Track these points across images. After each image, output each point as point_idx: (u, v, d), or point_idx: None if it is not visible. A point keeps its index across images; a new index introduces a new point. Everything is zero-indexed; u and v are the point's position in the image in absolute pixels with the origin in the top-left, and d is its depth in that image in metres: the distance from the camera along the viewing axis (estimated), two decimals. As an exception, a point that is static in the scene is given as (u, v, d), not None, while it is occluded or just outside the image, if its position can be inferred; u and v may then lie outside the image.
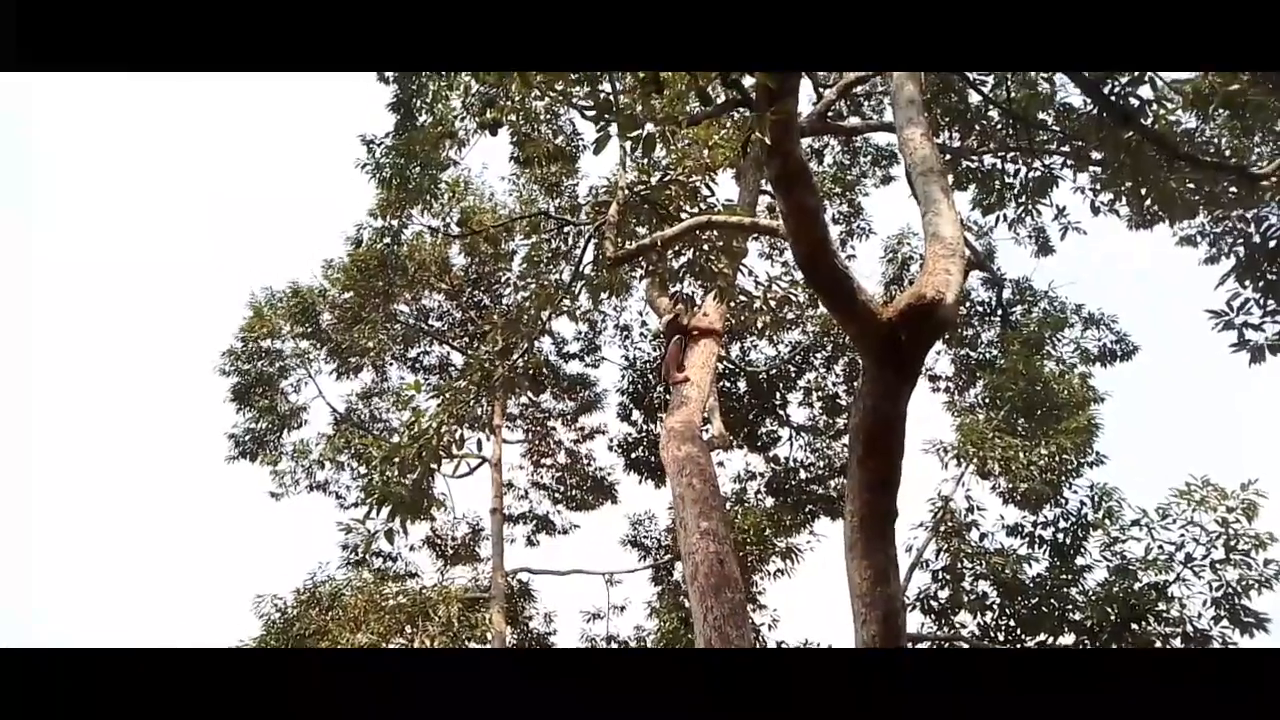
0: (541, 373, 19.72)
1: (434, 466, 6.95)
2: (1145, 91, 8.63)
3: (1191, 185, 9.61)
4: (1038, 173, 10.91)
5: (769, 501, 17.84)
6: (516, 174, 17.69)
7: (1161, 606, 12.00)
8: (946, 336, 16.04)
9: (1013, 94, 10.62)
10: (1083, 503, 13.43)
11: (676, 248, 8.46)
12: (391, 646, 14.69)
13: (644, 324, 18.69)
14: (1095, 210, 11.18)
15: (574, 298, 9.92)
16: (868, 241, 17.96)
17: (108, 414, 47.72)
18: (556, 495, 21.20)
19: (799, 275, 8.65)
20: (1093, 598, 12.49)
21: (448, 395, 7.72)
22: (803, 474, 18.13)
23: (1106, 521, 13.02)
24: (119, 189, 55.09)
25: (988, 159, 11.43)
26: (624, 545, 19.16)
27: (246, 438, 18.72)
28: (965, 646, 13.62)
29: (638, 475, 18.59)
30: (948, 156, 11.15)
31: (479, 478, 18.90)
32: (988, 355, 16.64)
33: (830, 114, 13.61)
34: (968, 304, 16.51)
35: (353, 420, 19.63)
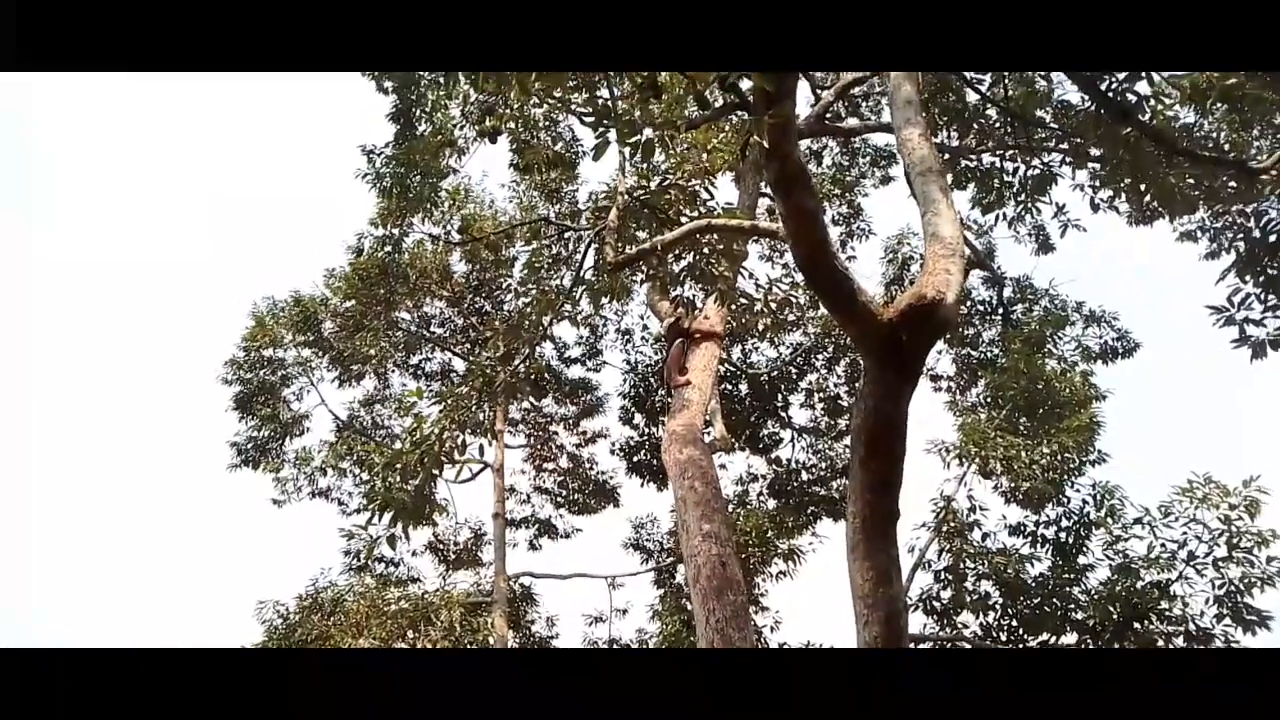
0: (543, 378, 19.74)
1: (436, 472, 6.95)
2: (1143, 87, 8.63)
3: (1191, 180, 9.61)
4: (1036, 170, 10.92)
5: (771, 503, 17.85)
6: (516, 181, 17.74)
7: (1164, 605, 11.97)
8: (947, 336, 16.04)
9: (1010, 92, 10.63)
10: (1085, 501, 13.41)
11: (677, 251, 8.46)
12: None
13: (645, 328, 18.73)
14: (1095, 207, 11.19)
15: (575, 303, 9.92)
16: (868, 242, 17.98)
17: (110, 419, 47.75)
18: (558, 499, 21.22)
19: (799, 277, 8.67)
20: (1095, 597, 12.47)
21: (449, 401, 7.73)
22: (804, 475, 18.13)
23: (1109, 520, 13.00)
24: (120, 191, 55.20)
25: (986, 158, 11.43)
26: (626, 548, 19.19)
27: (249, 445, 18.79)
28: (968, 647, 13.61)
29: (639, 478, 18.60)
30: (946, 156, 11.15)
31: (481, 483, 18.94)
32: (989, 354, 16.63)
33: (828, 115, 13.62)
34: (968, 303, 16.51)
35: (355, 427, 19.67)
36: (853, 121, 15.52)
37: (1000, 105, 10.56)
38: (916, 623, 13.61)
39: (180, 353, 50.06)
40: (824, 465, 18.14)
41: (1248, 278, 8.86)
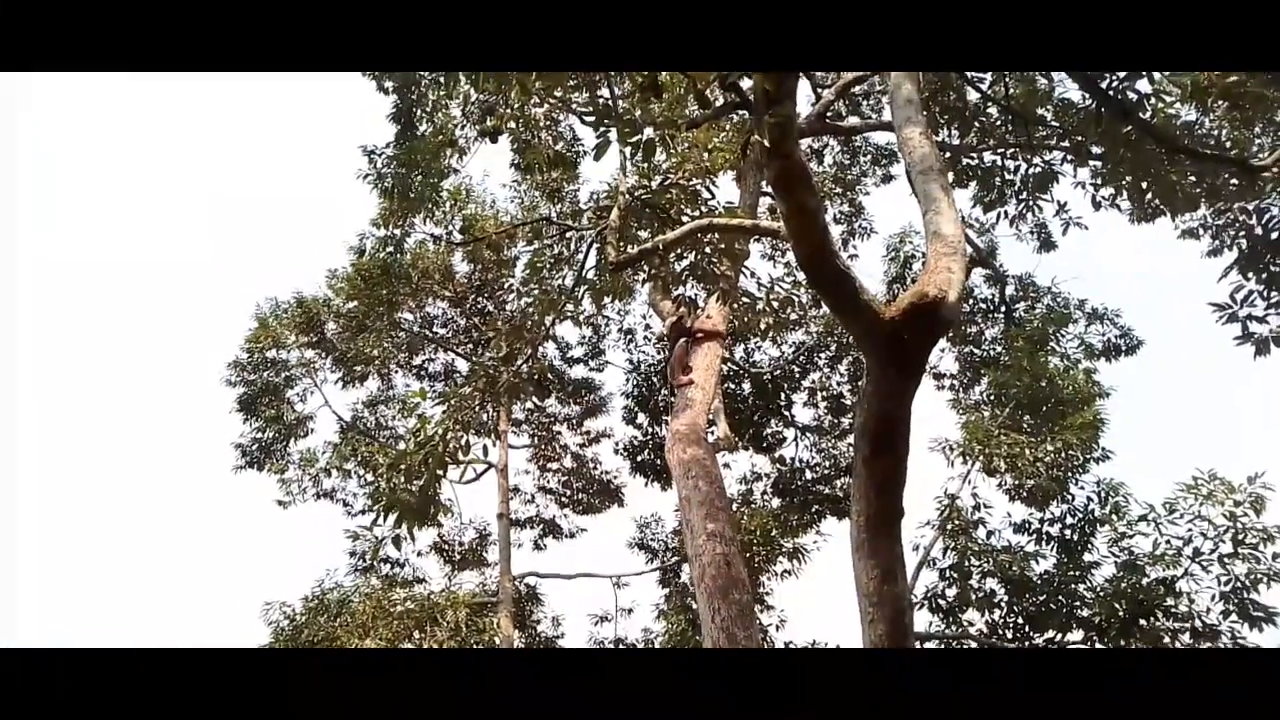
0: (546, 378, 19.73)
1: (440, 473, 6.96)
2: (1144, 85, 8.63)
3: (1192, 178, 9.61)
4: (1038, 169, 10.92)
5: (775, 502, 17.85)
6: (517, 181, 17.74)
7: (1170, 602, 11.97)
8: (950, 334, 16.03)
9: (1011, 90, 10.63)
10: (1089, 499, 13.42)
11: (678, 251, 8.47)
12: (400, 653, 14.72)
13: (647, 328, 18.72)
14: (1096, 205, 11.19)
15: (577, 302, 9.92)
16: (869, 241, 17.95)
17: (114, 422, 47.84)
18: (563, 499, 21.23)
19: (801, 276, 8.67)
20: (1101, 594, 12.47)
21: (453, 402, 7.75)
22: (808, 474, 18.12)
23: (1114, 517, 12.99)
24: (121, 192, 55.27)
25: (987, 156, 11.43)
26: (631, 548, 19.19)
27: (253, 447, 18.83)
28: (974, 645, 13.61)
29: (644, 478, 18.59)
30: (947, 154, 11.15)
31: (485, 483, 18.96)
32: (992, 352, 16.62)
33: (829, 114, 13.62)
34: (970, 301, 16.50)
35: (359, 428, 19.70)
36: (853, 120, 15.51)
37: (1001, 103, 10.56)
38: (922, 621, 13.62)
39: (183, 355, 50.16)
40: (828, 464, 18.13)
41: (1250, 275, 8.86)
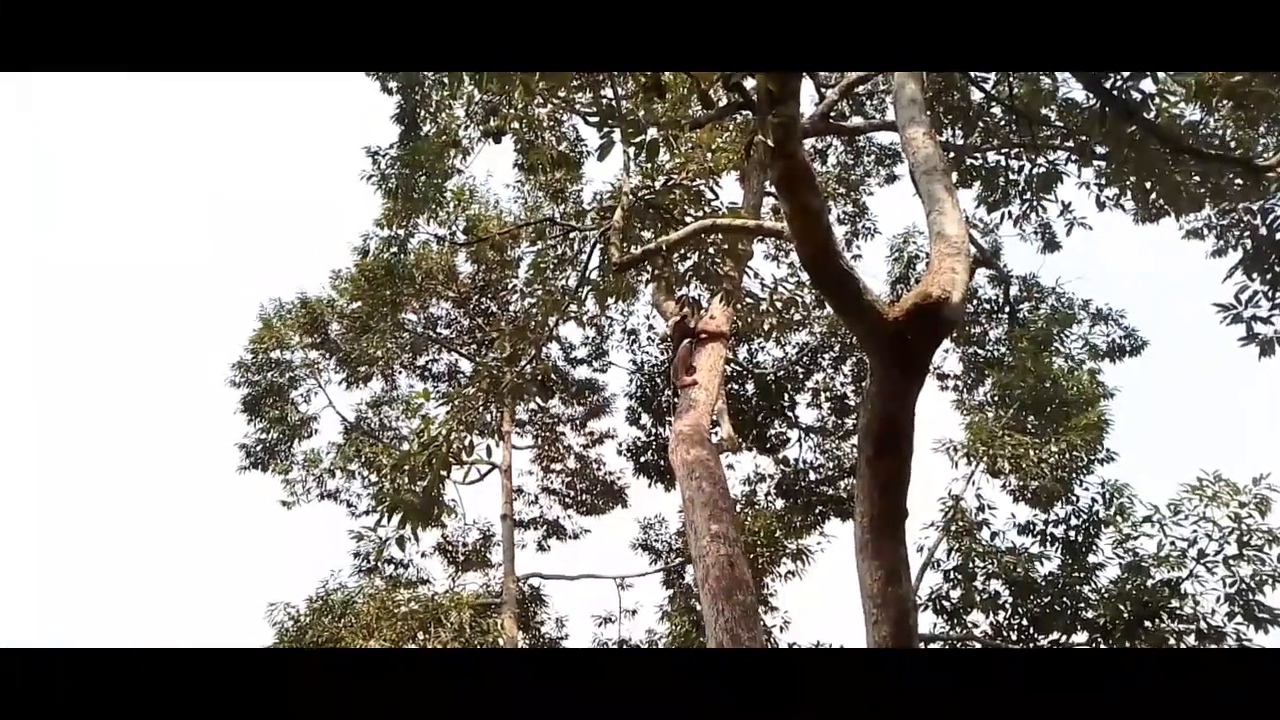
0: (550, 378, 19.72)
1: (444, 473, 6.96)
2: (1148, 85, 8.61)
3: (1197, 178, 9.58)
4: (1042, 169, 10.89)
5: (779, 503, 17.84)
6: (521, 181, 17.74)
7: (1175, 603, 11.94)
8: (954, 335, 16.01)
9: (1015, 90, 10.60)
10: (1094, 500, 13.39)
11: (682, 251, 8.47)
12: (404, 654, 14.72)
13: (651, 328, 18.71)
14: (1101, 205, 11.17)
15: (581, 303, 9.93)
16: (873, 241, 17.92)
17: (118, 422, 47.93)
18: (566, 500, 21.23)
19: (804, 276, 8.66)
20: (1105, 595, 12.44)
21: (457, 402, 7.75)
22: (812, 475, 18.11)
23: (1118, 518, 12.97)
24: (125, 193, 55.37)
25: (991, 156, 11.40)
26: (635, 549, 19.19)
27: (258, 448, 18.87)
28: (978, 646, 13.58)
29: (647, 479, 18.60)
30: (951, 154, 11.12)
31: (489, 484, 18.96)
32: (996, 353, 16.60)
33: (832, 114, 13.61)
34: (975, 302, 16.48)
35: (363, 429, 19.71)
36: (857, 120, 15.50)
37: (1005, 103, 10.54)
38: (926, 622, 13.61)
39: (187, 356, 50.24)
40: (831, 465, 18.12)
41: (1255, 275, 8.84)
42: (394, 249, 16.73)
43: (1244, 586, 11.71)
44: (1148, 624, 11.89)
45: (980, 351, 16.95)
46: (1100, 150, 10.08)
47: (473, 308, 19.79)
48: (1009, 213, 11.56)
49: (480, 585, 18.56)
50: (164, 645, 3.25)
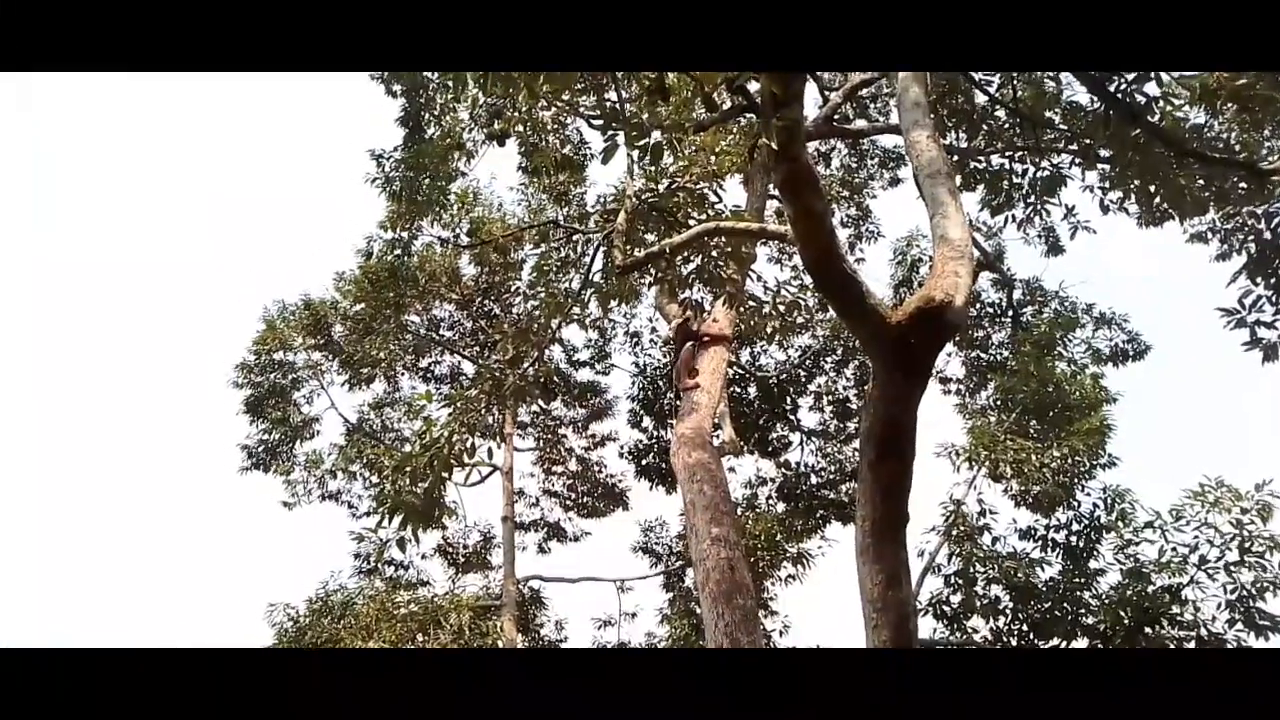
0: (552, 380, 19.74)
1: (445, 475, 6.96)
2: (1152, 89, 8.62)
3: (1201, 182, 9.57)
4: (1046, 172, 10.89)
5: (780, 507, 17.81)
6: (525, 184, 17.73)
7: (1176, 609, 11.90)
8: (957, 338, 15.99)
9: (1019, 93, 10.60)
10: (1095, 505, 13.35)
11: (685, 254, 8.47)
12: (405, 656, 14.71)
13: (654, 331, 18.70)
14: (1104, 209, 11.14)
15: (583, 305, 9.94)
16: (876, 244, 17.91)
17: (121, 422, 47.97)
18: (568, 502, 21.23)
19: (808, 280, 8.66)
20: (1106, 601, 12.40)
21: (459, 404, 7.76)
22: (814, 479, 18.08)
23: (1119, 524, 12.93)
24: (129, 194, 55.45)
25: (995, 159, 11.40)
26: (635, 552, 19.16)
27: (259, 448, 18.89)
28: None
29: (649, 482, 18.57)
30: (955, 157, 11.12)
31: (490, 486, 18.97)
32: (998, 357, 16.57)
33: (836, 117, 13.61)
34: (978, 305, 16.46)
35: (365, 430, 19.73)
36: (861, 123, 15.50)
37: (1009, 107, 10.54)
38: (926, 627, 13.57)
39: (190, 357, 50.30)
40: (833, 469, 18.10)
41: (1259, 280, 8.84)
42: (397, 251, 16.74)
43: (1245, 593, 11.66)
44: (1149, 630, 11.86)
45: (983, 355, 16.93)
46: (1104, 154, 10.09)
47: (475, 310, 19.81)
48: (1012, 216, 11.57)
49: (480, 587, 18.57)
50: (164, 645, 3.25)
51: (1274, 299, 8.79)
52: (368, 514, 18.73)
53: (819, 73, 13.72)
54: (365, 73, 13.30)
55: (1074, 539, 13.30)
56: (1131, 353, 15.61)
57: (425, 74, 13.14)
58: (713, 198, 9.44)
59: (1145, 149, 8.91)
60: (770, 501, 18.10)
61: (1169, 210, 10.24)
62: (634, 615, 19.25)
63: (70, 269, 51.52)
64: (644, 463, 18.57)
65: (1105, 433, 13.86)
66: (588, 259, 11.28)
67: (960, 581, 13.40)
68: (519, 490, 20.07)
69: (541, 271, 12.29)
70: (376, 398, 20.18)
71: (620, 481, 20.72)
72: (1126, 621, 11.95)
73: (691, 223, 8.92)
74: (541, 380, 18.54)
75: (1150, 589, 12.12)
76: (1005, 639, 13.12)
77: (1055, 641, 12.78)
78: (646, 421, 18.51)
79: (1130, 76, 8.43)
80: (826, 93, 13.60)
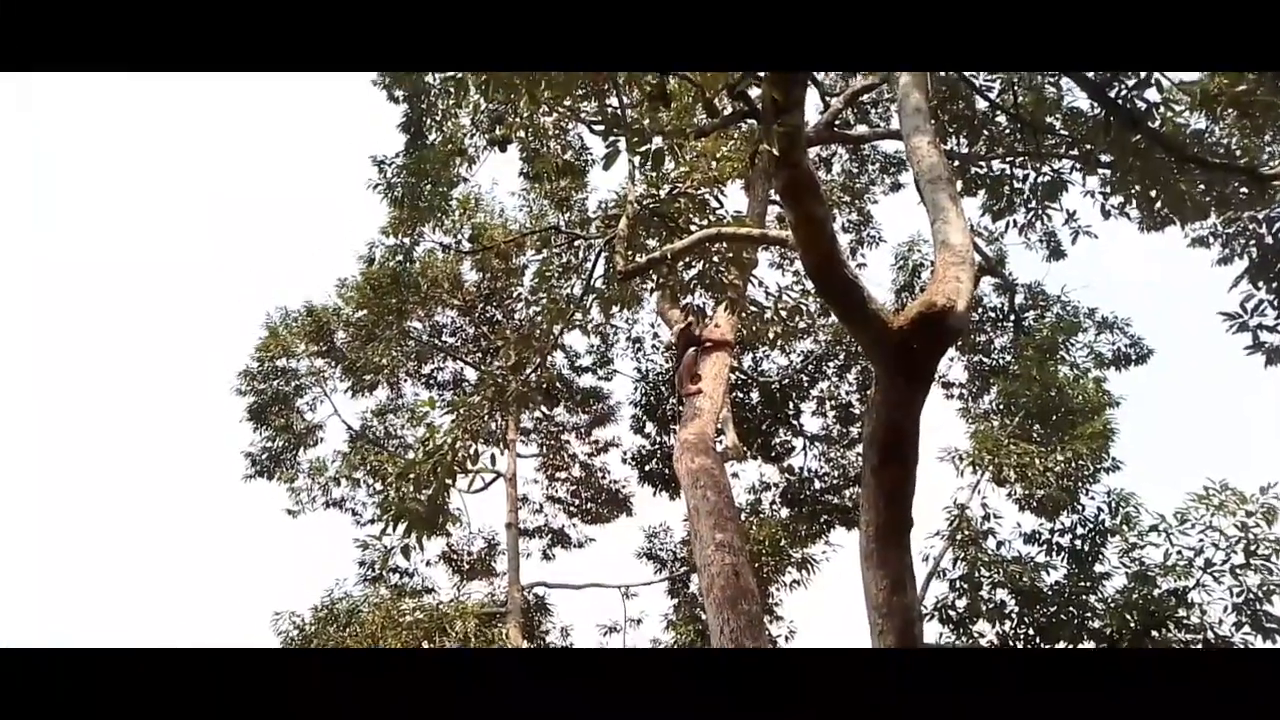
0: (554, 387, 19.76)
1: (449, 482, 6.98)
2: (1152, 94, 8.62)
3: (1202, 186, 9.58)
4: (1046, 177, 10.91)
5: (784, 512, 17.79)
6: (526, 189, 17.79)
7: (1182, 613, 11.88)
8: (959, 343, 15.99)
9: (1020, 99, 10.62)
10: (1100, 509, 13.33)
11: (687, 260, 8.49)
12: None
13: (656, 336, 18.70)
14: (1106, 214, 11.15)
15: (585, 311, 9.97)
16: (878, 249, 17.92)
17: (124, 429, 48.00)
18: (571, 509, 21.22)
19: (809, 285, 8.67)
20: (1112, 605, 12.38)
21: (462, 411, 7.76)
22: (817, 484, 18.06)
23: (1124, 527, 12.91)
24: (132, 199, 55.54)
25: (996, 164, 11.42)
26: (639, 558, 19.15)
27: (263, 456, 18.90)
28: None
29: (652, 488, 18.57)
30: (956, 163, 11.14)
31: (494, 492, 18.96)
32: (1001, 361, 16.57)
33: (837, 123, 13.64)
34: (980, 310, 16.45)
35: (368, 437, 19.73)
36: (862, 129, 15.52)
37: (1009, 112, 10.56)
38: (932, 632, 13.54)
39: (194, 363, 50.34)
40: (836, 473, 18.08)
41: (1260, 283, 8.83)
42: (400, 257, 16.78)
43: (1251, 596, 11.65)
44: (1154, 634, 11.83)
45: (985, 360, 16.92)
46: (1105, 158, 10.10)
47: (478, 316, 19.83)
48: (1014, 221, 11.57)
49: (485, 594, 18.59)
50: (164, 646, 3.26)
51: (1276, 303, 8.79)
52: (372, 521, 18.73)
53: (820, 77, 13.77)
54: (366, 73, 13.34)
55: (1079, 543, 13.28)
56: (1134, 357, 15.60)
57: (427, 80, 13.18)
58: (714, 203, 9.47)
59: (1146, 154, 8.92)
60: (774, 507, 18.09)
61: (1170, 215, 10.25)
62: (639, 621, 19.24)
63: (70, 270, 51.58)
64: (647, 468, 18.57)
65: (1109, 436, 13.84)
66: (589, 264, 11.31)
67: (965, 586, 13.37)
68: (523, 496, 20.07)
69: (543, 277, 12.31)
70: (379, 404, 20.21)
71: (624, 487, 20.73)
72: (1132, 625, 11.92)
73: (693, 228, 8.94)
74: (544, 386, 18.57)
75: (1156, 593, 12.10)
76: (1011, 643, 13.09)
77: (1061, 645, 12.76)
78: (649, 427, 18.52)
79: (1131, 82, 8.45)
80: (827, 98, 13.63)
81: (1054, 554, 13.40)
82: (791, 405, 18.12)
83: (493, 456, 8.22)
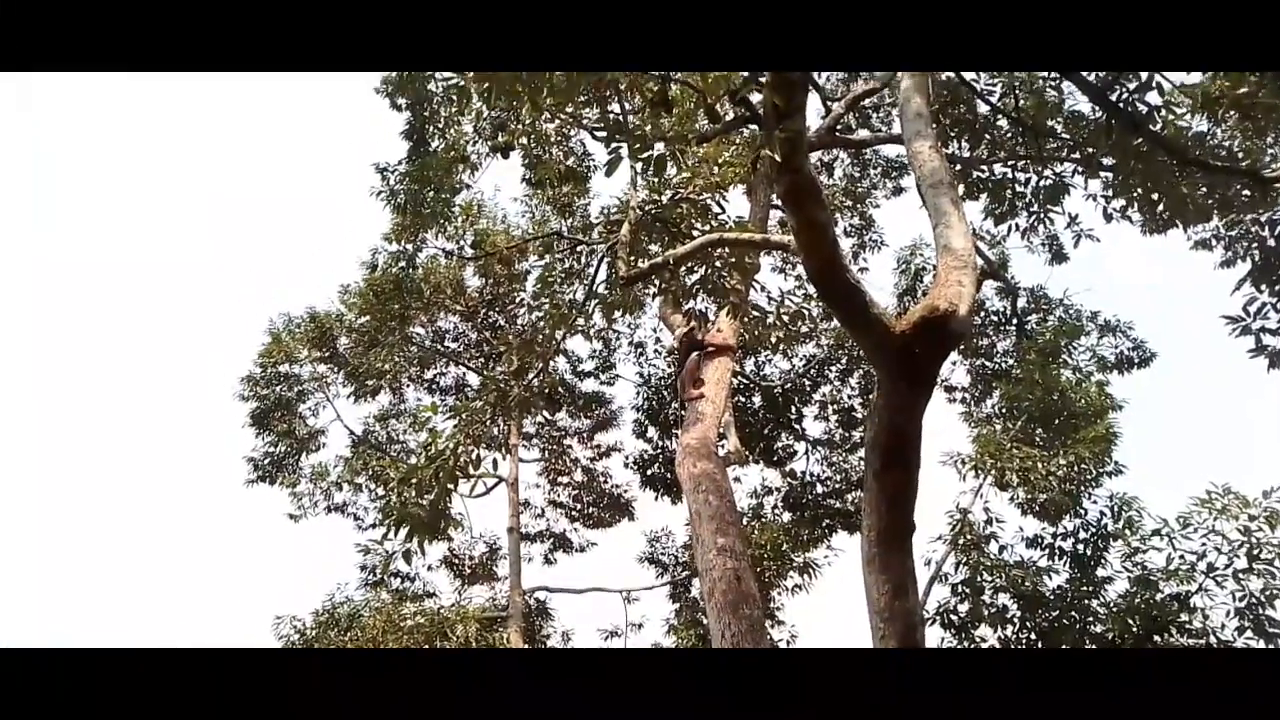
0: (557, 391, 19.78)
1: (451, 487, 6.98)
2: (1153, 97, 8.63)
3: (1204, 190, 9.58)
4: (1048, 181, 10.91)
5: (786, 516, 17.79)
6: (529, 195, 17.84)
7: (1184, 617, 11.86)
8: (961, 347, 15.99)
9: (1021, 102, 10.63)
10: (1102, 513, 13.31)
11: (689, 265, 8.50)
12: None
13: (658, 341, 18.74)
14: (1108, 217, 11.15)
15: (588, 316, 9.96)
16: (880, 254, 17.96)
17: (127, 434, 48.04)
18: (573, 513, 21.22)
19: (811, 289, 8.68)
20: (1114, 609, 12.36)
21: (464, 416, 7.76)
22: (819, 488, 18.06)
23: (1127, 531, 12.88)
24: (134, 204, 55.61)
25: (998, 168, 11.42)
26: (641, 562, 19.17)
27: (265, 461, 18.93)
28: (987, 660, 13.48)
29: (654, 492, 18.57)
30: (958, 167, 11.15)
31: (496, 497, 18.95)
32: (1003, 365, 16.56)
33: (839, 128, 13.65)
34: (982, 314, 16.46)
35: (370, 442, 19.76)
36: (863, 133, 15.53)
37: (1011, 116, 10.57)
38: (934, 636, 13.51)
39: (196, 368, 50.34)
40: (839, 478, 18.07)
41: (1263, 287, 8.84)
42: (402, 263, 16.80)
43: (1254, 600, 11.61)
44: (1157, 638, 11.80)
45: (988, 364, 16.92)
46: (1107, 162, 10.10)
47: (480, 321, 19.87)
48: (1016, 225, 11.57)
49: (486, 598, 18.59)
50: (164, 646, 3.26)
51: (1279, 306, 8.79)
52: (373, 526, 18.73)
53: (821, 82, 13.78)
54: (366, 75, 13.38)
55: (1081, 547, 13.26)
56: (1137, 360, 15.60)
57: (429, 87, 13.22)
58: (716, 209, 9.48)
59: (1148, 157, 8.93)
60: (776, 511, 18.09)
61: (1172, 218, 10.25)
62: (640, 625, 19.24)
63: (71, 270, 51.58)
64: (649, 473, 18.58)
65: (1111, 440, 13.82)
66: (592, 270, 11.33)
67: (967, 590, 13.35)
68: (524, 501, 20.09)
69: (546, 283, 12.32)
70: (382, 410, 20.24)
71: (625, 492, 20.73)
72: (1135, 629, 11.89)
73: (695, 233, 8.95)
74: (546, 391, 18.56)
75: (1159, 597, 12.07)
76: (1013, 647, 13.07)
77: (1063, 650, 12.73)
78: (651, 432, 18.54)
79: (1132, 85, 8.46)
80: (829, 103, 13.65)
81: (1056, 558, 13.38)
82: (793, 409, 18.12)
83: (495, 461, 8.21)
